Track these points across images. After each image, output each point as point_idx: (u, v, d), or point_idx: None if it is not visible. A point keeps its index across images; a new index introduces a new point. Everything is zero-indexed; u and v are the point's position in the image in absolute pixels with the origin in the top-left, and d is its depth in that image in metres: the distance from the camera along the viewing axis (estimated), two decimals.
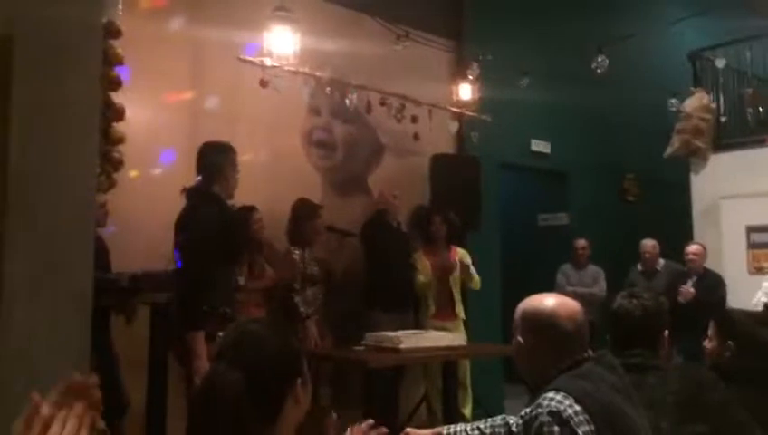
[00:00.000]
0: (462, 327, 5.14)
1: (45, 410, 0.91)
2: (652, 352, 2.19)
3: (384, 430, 1.75)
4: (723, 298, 5.65)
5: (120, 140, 2.98)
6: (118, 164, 3.00)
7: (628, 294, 2.31)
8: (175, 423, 3.27)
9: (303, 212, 4.58)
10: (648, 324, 2.22)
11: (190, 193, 3.21)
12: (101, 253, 3.64)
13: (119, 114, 2.91)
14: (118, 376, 3.77)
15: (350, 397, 4.40)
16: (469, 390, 5.17)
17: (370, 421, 1.76)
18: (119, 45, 2.91)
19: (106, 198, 3.44)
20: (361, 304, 5.02)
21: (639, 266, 6.18)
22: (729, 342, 2.56)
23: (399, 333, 4.16)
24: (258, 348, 1.32)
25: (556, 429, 1.60)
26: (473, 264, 5.17)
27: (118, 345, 3.78)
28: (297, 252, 4.50)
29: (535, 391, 1.76)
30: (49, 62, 2.20)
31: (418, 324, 5.04)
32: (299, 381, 1.34)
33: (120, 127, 2.98)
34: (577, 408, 1.62)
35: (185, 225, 3.15)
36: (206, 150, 3.31)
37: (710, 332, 2.66)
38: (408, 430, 2.04)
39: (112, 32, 2.78)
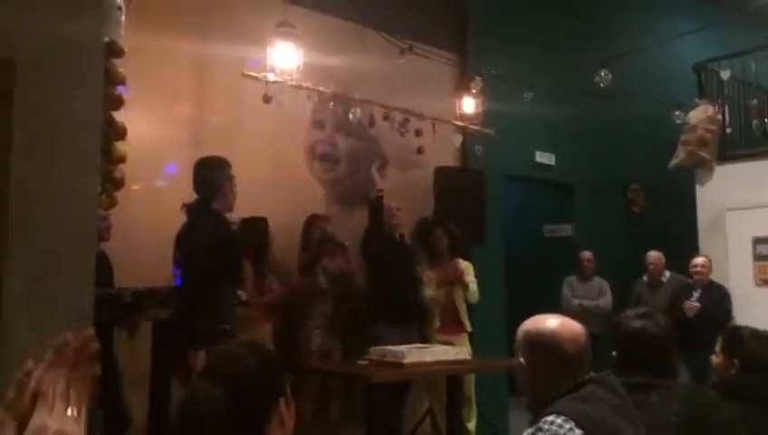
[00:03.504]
0: (467, 341, 5.12)
1: (37, 374, 0.89)
2: (662, 371, 2.16)
3: None
4: (728, 311, 5.63)
5: (122, 160, 2.99)
6: (119, 183, 3.01)
7: (646, 315, 2.26)
8: None
9: (307, 224, 4.67)
10: (666, 346, 2.19)
11: (189, 209, 3.21)
12: (105, 268, 3.65)
13: (120, 133, 2.92)
14: (120, 391, 3.78)
15: (361, 410, 4.38)
16: (474, 404, 5.14)
17: None
18: (121, 64, 2.93)
19: (109, 212, 3.45)
20: (366, 317, 5.00)
21: (645, 278, 6.16)
22: (734, 359, 2.55)
23: (403, 347, 4.14)
24: (240, 366, 1.31)
25: None
26: (477, 275, 5.17)
27: (121, 361, 3.78)
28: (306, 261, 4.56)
29: (536, 413, 1.75)
30: (51, 82, 2.21)
31: (423, 338, 5.02)
32: (281, 401, 1.32)
33: (121, 145, 2.99)
34: (577, 432, 1.61)
35: (184, 241, 3.15)
36: (201, 167, 3.32)
37: (717, 347, 2.66)
38: None
39: (115, 51, 2.80)
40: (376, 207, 5.14)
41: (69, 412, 0.89)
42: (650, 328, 2.18)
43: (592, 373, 1.79)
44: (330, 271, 4.61)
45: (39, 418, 0.87)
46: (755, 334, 2.64)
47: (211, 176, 3.26)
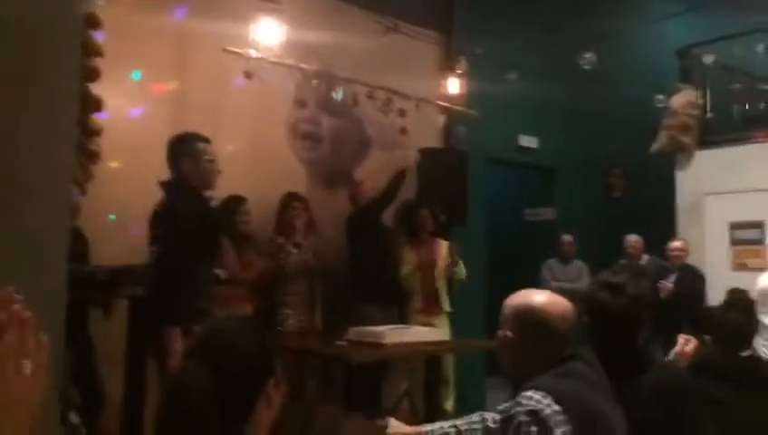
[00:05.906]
0: (447, 322, 5.14)
1: None
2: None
3: None
4: (701, 293, 5.71)
5: (98, 132, 2.92)
6: (94, 156, 2.94)
7: (607, 286, 2.10)
8: (153, 418, 3.24)
9: (283, 202, 4.65)
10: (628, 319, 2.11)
11: (166, 186, 3.17)
12: (81, 245, 3.59)
13: (96, 106, 2.85)
14: (96, 371, 3.74)
15: (337, 390, 4.38)
16: (451, 385, 5.17)
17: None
18: (99, 36, 2.86)
19: (78, 197, 3.37)
20: (346, 297, 4.99)
21: (624, 262, 6.21)
22: (705, 337, 2.59)
23: (382, 327, 4.13)
24: (230, 345, 1.29)
25: (534, 429, 1.59)
26: (460, 257, 5.18)
27: (96, 339, 3.73)
28: (280, 241, 4.51)
29: (517, 387, 1.75)
30: (25, 53, 2.15)
31: (403, 319, 5.03)
32: (271, 381, 1.31)
33: (97, 119, 2.93)
34: (556, 408, 1.60)
35: (160, 218, 3.10)
36: (175, 143, 3.27)
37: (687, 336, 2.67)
38: (393, 422, 2.03)
39: (92, 22, 2.73)
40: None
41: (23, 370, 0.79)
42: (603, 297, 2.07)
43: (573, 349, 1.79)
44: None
45: None
46: (717, 308, 2.70)
47: (185, 151, 3.21)
